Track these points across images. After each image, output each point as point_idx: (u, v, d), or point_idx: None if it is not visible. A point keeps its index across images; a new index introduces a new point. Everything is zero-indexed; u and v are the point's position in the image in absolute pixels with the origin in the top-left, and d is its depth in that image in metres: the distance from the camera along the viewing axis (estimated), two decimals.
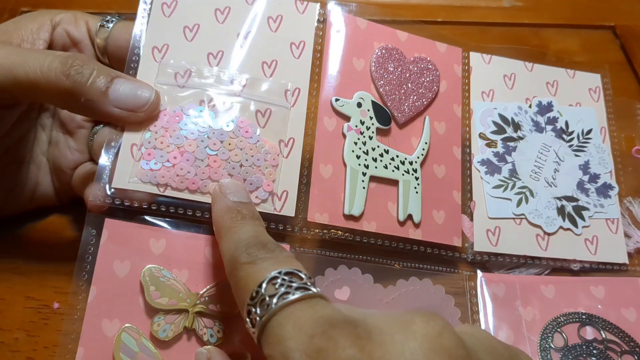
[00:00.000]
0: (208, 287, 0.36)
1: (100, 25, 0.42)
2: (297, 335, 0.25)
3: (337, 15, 0.45)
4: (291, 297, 0.26)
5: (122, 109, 0.37)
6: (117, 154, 0.37)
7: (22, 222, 0.44)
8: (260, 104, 0.41)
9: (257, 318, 0.26)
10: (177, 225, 0.38)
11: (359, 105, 0.43)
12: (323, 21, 0.44)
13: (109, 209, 0.37)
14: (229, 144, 0.39)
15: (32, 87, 0.35)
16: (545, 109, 0.48)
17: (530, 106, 0.48)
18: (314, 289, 0.27)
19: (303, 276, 0.28)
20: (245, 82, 0.41)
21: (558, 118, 0.48)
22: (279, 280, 0.27)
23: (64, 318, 0.35)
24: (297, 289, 0.26)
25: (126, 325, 0.34)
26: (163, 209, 0.37)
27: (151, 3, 0.41)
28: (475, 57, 0.49)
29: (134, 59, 0.40)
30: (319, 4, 0.44)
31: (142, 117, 0.38)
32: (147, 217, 0.38)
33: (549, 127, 0.48)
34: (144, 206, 0.37)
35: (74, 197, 0.43)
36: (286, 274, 0.27)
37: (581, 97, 0.50)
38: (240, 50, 0.42)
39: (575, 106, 0.49)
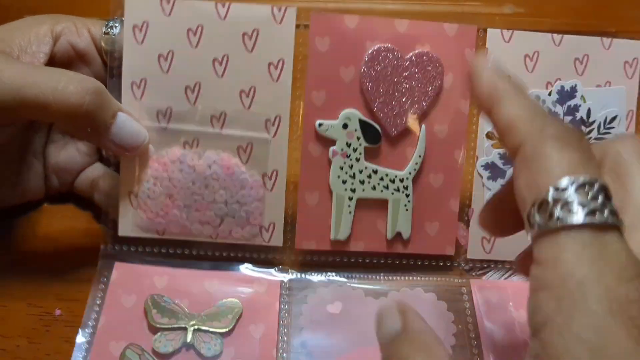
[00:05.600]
0: (205, 309, 0.41)
1: (104, 33, 0.41)
2: (601, 267, 0.22)
3: (320, 19, 0.40)
4: (601, 219, 0.23)
5: (118, 146, 0.39)
6: (116, 204, 0.41)
7: (24, 229, 0.45)
8: (240, 140, 0.41)
9: (554, 216, 0.23)
10: (178, 263, 0.43)
11: (345, 126, 0.41)
12: (305, 27, 0.40)
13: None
14: (213, 187, 0.41)
15: (41, 109, 0.36)
16: (566, 95, 0.43)
17: (549, 93, 0.43)
18: (622, 222, 0.23)
19: (613, 201, 0.24)
20: (225, 118, 0.41)
21: (580, 106, 0.43)
22: (591, 190, 0.23)
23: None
24: (611, 212, 0.23)
25: (130, 343, 0.40)
26: (164, 251, 0.43)
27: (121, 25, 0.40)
28: (493, 35, 0.43)
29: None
30: (296, 9, 0.40)
31: (132, 156, 0.40)
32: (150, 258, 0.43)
33: (568, 119, 0.43)
34: (147, 250, 0.43)
35: (61, 190, 0.45)
36: (601, 187, 0.23)
37: (613, 74, 0.43)
38: (217, 81, 0.40)
39: (604, 86, 0.43)
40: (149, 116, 0.40)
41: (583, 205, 0.23)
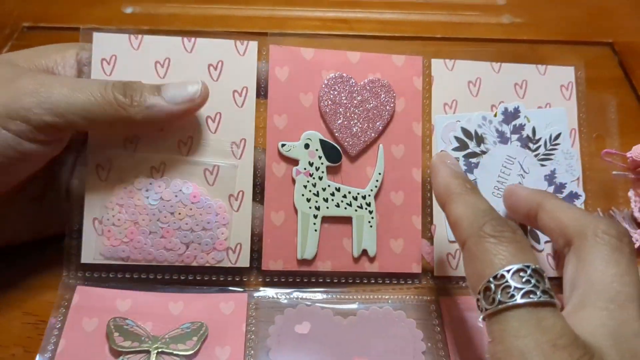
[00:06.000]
0: (169, 331, 0.40)
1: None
2: (538, 338, 0.26)
3: (279, 52, 0.44)
4: (535, 299, 0.27)
5: (180, 103, 0.38)
6: (80, 230, 0.41)
7: None
8: (207, 164, 0.42)
9: (496, 300, 0.28)
10: (140, 287, 0.42)
11: (307, 146, 0.43)
12: (265, 60, 0.44)
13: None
14: (179, 214, 0.42)
15: (87, 117, 0.36)
16: (511, 116, 0.46)
17: (495, 115, 0.46)
18: (555, 299, 0.28)
19: (546, 281, 0.29)
20: (191, 142, 0.42)
21: (525, 125, 0.46)
22: (526, 275, 0.28)
23: None
24: (543, 292, 0.28)
25: None
26: (128, 276, 0.42)
27: (89, 63, 0.42)
28: (437, 65, 0.47)
29: None
30: (257, 42, 0.43)
31: (200, 102, 0.40)
32: (114, 283, 0.42)
33: (515, 137, 0.46)
34: (111, 275, 0.42)
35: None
36: (533, 271, 0.28)
37: (552, 96, 0.47)
38: None
39: (545, 108, 0.47)
40: (116, 144, 0.42)
41: (519, 288, 0.28)
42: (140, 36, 0.42)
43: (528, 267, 0.28)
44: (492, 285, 0.28)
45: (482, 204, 0.33)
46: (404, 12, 0.65)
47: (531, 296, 0.27)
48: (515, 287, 0.28)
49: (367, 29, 0.64)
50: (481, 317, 0.29)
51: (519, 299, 0.27)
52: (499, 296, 0.28)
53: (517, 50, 0.62)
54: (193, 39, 0.43)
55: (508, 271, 0.28)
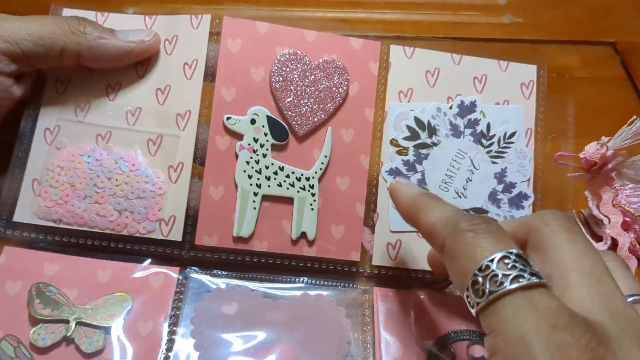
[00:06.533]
0: (92, 301, 0.39)
1: None
2: (536, 321, 0.25)
3: (232, 24, 0.43)
4: (525, 282, 0.26)
5: (130, 41, 0.41)
6: (19, 187, 0.41)
7: None
8: (151, 133, 0.42)
9: (486, 291, 0.27)
10: (70, 252, 0.41)
11: (253, 122, 0.42)
12: (217, 33, 0.43)
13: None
14: (116, 180, 0.41)
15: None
16: (466, 109, 0.45)
17: (451, 107, 0.45)
18: (544, 279, 0.27)
19: (531, 263, 0.28)
20: (139, 113, 0.42)
21: (480, 120, 0.45)
22: (510, 261, 0.27)
23: None
24: (532, 274, 0.27)
25: (7, 334, 0.37)
26: (57, 239, 0.41)
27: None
28: (396, 52, 0.46)
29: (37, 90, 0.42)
30: (210, 16, 0.42)
31: (151, 44, 0.42)
32: (44, 245, 0.41)
33: (468, 131, 0.45)
34: (40, 237, 0.41)
35: None
36: (517, 256, 0.28)
37: (511, 93, 0.46)
38: (137, 80, 0.42)
39: (502, 104, 0.46)
40: (67, 111, 0.42)
41: (507, 274, 0.27)
42: (106, 14, 0.43)
43: (511, 253, 0.28)
44: (479, 278, 0.28)
45: (451, 206, 0.33)
46: (405, 12, 0.65)
47: (520, 280, 0.26)
48: (503, 275, 0.27)
49: (368, 29, 0.63)
50: (474, 312, 0.28)
51: (509, 285, 0.26)
52: (487, 287, 0.27)
53: (519, 49, 0.62)
54: (154, 17, 0.43)
55: (492, 260, 0.28)
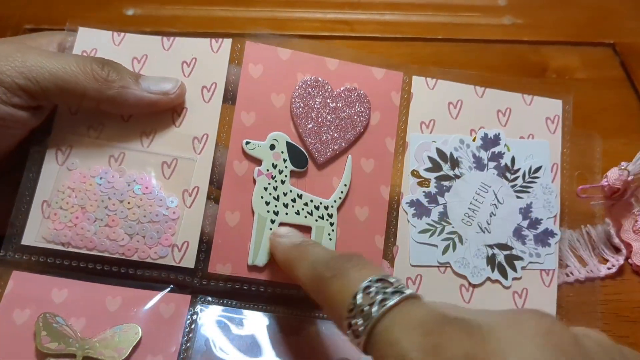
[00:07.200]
0: (100, 334, 0.37)
1: None
2: (409, 336, 0.25)
3: (254, 49, 0.42)
4: (391, 303, 0.27)
5: (153, 93, 0.39)
6: (28, 209, 0.39)
7: None
8: (166, 156, 0.41)
9: (361, 328, 0.27)
10: (80, 277, 0.39)
11: (272, 147, 0.41)
12: (238, 57, 0.42)
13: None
14: (128, 203, 0.40)
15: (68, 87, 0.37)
16: (490, 142, 0.44)
17: (474, 139, 0.44)
18: (407, 291, 0.28)
19: (393, 280, 0.28)
20: (154, 135, 0.41)
21: (504, 153, 0.44)
22: (372, 289, 0.28)
23: None
24: (394, 293, 0.27)
25: None
26: (66, 263, 0.39)
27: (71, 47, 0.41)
28: (418, 82, 0.45)
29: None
30: (232, 40, 0.42)
31: (174, 98, 0.40)
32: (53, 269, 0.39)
33: (492, 164, 0.44)
34: (49, 260, 0.39)
35: None
36: (377, 280, 0.28)
37: (536, 127, 0.45)
38: None
39: (527, 138, 0.45)
40: (80, 131, 0.41)
41: (372, 303, 0.27)
42: (123, 34, 0.42)
43: (371, 280, 0.28)
44: (352, 320, 0.28)
45: (318, 252, 0.34)
46: (404, 14, 0.65)
47: (386, 302, 0.27)
48: (369, 305, 0.27)
49: (368, 30, 0.63)
50: (361, 351, 0.28)
51: (376, 314, 0.27)
52: (361, 323, 0.27)
53: (519, 50, 0.61)
54: (172, 38, 0.42)
55: (355, 297, 0.28)
